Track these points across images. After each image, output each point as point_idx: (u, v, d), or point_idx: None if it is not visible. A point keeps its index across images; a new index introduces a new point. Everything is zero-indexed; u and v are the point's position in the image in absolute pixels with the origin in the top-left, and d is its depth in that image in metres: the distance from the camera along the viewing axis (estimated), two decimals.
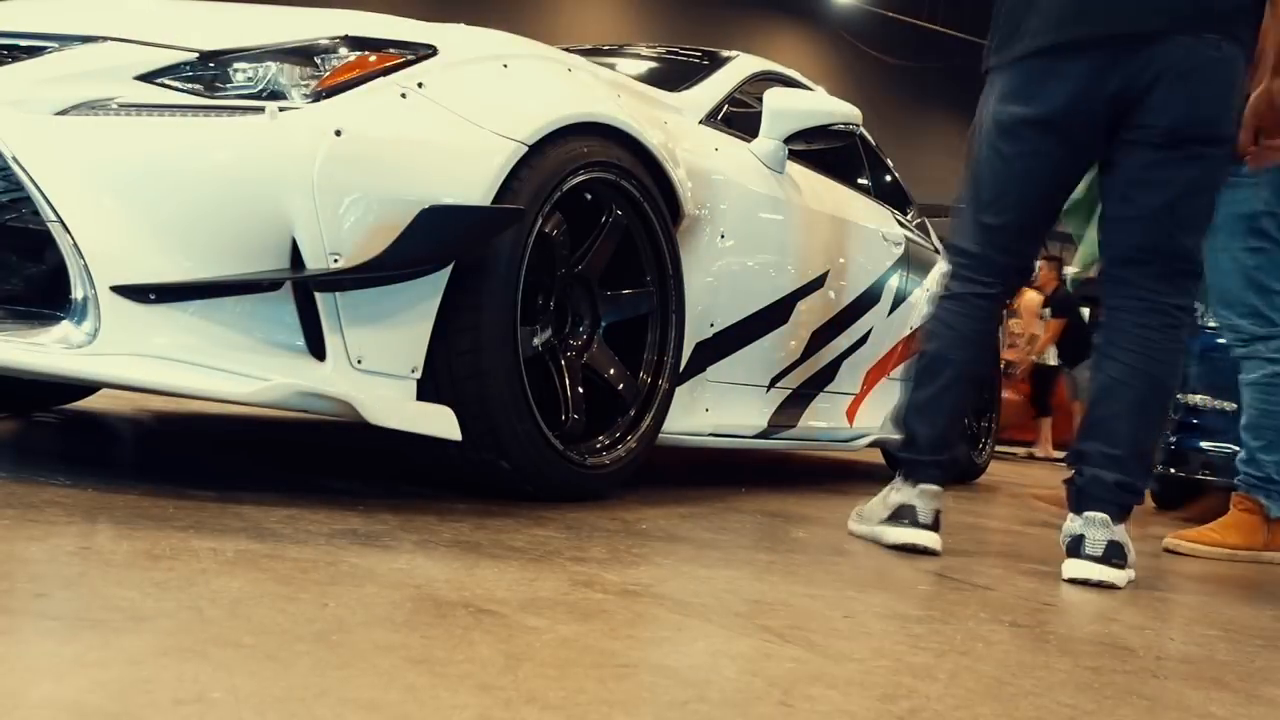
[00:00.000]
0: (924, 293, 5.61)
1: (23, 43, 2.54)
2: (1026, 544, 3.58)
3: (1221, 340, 5.58)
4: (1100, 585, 2.90)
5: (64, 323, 2.38)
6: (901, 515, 3.14)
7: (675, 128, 3.68)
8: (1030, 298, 12.81)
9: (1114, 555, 2.93)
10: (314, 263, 2.45)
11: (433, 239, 2.58)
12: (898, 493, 3.18)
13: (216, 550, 1.94)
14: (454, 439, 2.71)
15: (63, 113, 2.44)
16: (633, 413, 3.32)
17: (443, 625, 1.63)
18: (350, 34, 2.66)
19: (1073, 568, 2.95)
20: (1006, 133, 3.05)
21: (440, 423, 2.68)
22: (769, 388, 4.26)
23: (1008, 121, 3.04)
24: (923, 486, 3.15)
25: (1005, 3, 3.08)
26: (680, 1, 23.82)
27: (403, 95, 2.63)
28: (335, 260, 2.46)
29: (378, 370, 2.57)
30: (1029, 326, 12.90)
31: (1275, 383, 3.93)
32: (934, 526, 3.13)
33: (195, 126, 2.45)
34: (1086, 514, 2.98)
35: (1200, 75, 2.86)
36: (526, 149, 2.79)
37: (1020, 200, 3.09)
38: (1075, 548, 2.97)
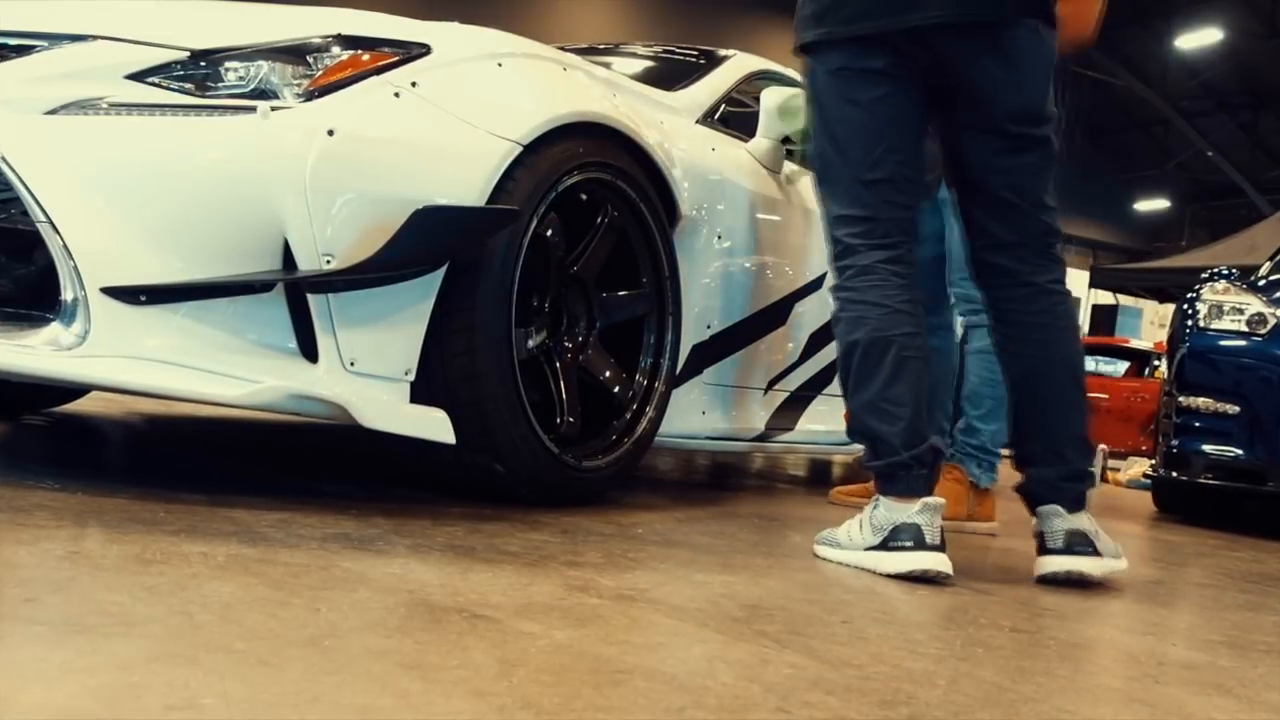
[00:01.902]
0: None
1: (12, 41, 2.52)
2: (1026, 548, 3.55)
3: (1223, 342, 5.59)
4: (1069, 579, 2.84)
5: (53, 324, 2.37)
6: (899, 536, 2.70)
7: (671, 127, 3.67)
8: None
9: (1076, 543, 2.84)
10: (306, 264, 2.44)
11: (427, 240, 2.56)
12: (887, 510, 2.74)
13: (207, 554, 1.93)
14: (448, 442, 2.69)
15: (52, 112, 2.42)
16: (629, 416, 3.30)
17: (436, 630, 1.63)
18: (343, 32, 2.65)
19: (1042, 565, 2.88)
20: (860, 83, 2.87)
21: (434, 426, 2.66)
22: (766, 390, 4.25)
23: (857, 74, 2.87)
24: (923, 500, 2.72)
25: None
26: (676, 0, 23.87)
27: (396, 95, 2.61)
28: (328, 261, 2.45)
29: (371, 373, 2.55)
30: None
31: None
32: (942, 546, 2.71)
33: (186, 126, 2.44)
34: (1039, 509, 2.91)
35: (1026, 60, 2.85)
36: (521, 149, 2.78)
37: (893, 147, 2.88)
38: (1040, 546, 2.91)
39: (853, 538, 2.80)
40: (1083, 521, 2.88)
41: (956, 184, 3.06)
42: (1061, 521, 2.86)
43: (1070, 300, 3.02)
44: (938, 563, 2.67)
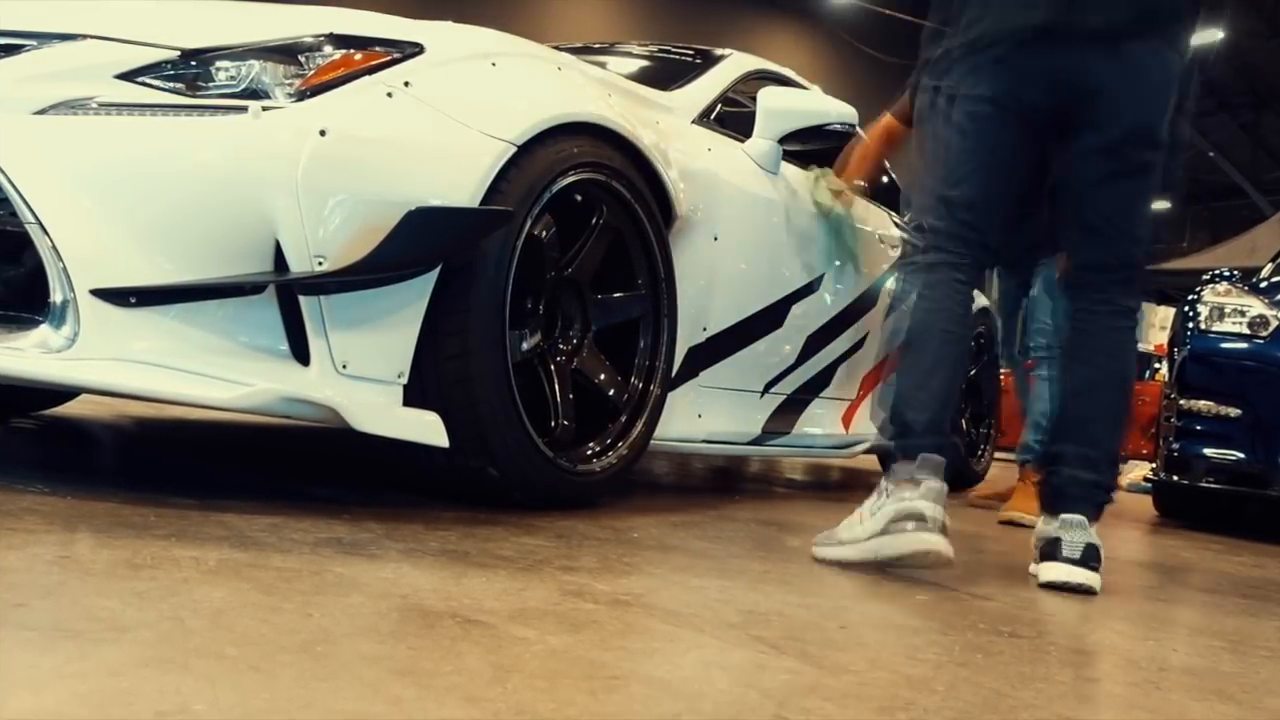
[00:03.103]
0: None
1: (1, 41, 2.50)
2: (1026, 552, 3.54)
3: (1225, 344, 5.58)
4: (1078, 590, 2.83)
5: (42, 326, 2.35)
6: (902, 519, 2.74)
7: (667, 127, 3.65)
8: None
9: (1091, 558, 2.86)
10: (298, 265, 2.42)
11: (419, 241, 2.55)
12: (892, 501, 2.78)
13: (198, 559, 1.92)
14: (441, 445, 2.68)
15: (41, 112, 2.41)
16: (624, 419, 3.29)
17: (430, 636, 1.62)
18: (335, 32, 2.64)
19: (1050, 571, 2.87)
20: (965, 105, 2.98)
21: (427, 429, 2.65)
22: (763, 393, 4.24)
23: (966, 99, 2.98)
24: (927, 484, 2.77)
25: None
26: None
27: (389, 94, 2.60)
28: (320, 263, 2.43)
29: (363, 375, 2.54)
30: None
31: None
32: (944, 531, 2.75)
33: (177, 126, 2.42)
34: (1064, 516, 2.91)
35: (1145, 81, 2.90)
36: (515, 149, 2.77)
37: (978, 172, 2.98)
38: (1051, 551, 2.90)
39: (854, 531, 2.84)
40: (1096, 536, 2.90)
41: (1060, 197, 3.09)
42: (1084, 534, 2.88)
43: (1137, 331, 3.09)
44: (937, 544, 2.71)
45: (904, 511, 2.74)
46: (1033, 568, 3.01)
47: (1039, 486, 3.09)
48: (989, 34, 2.92)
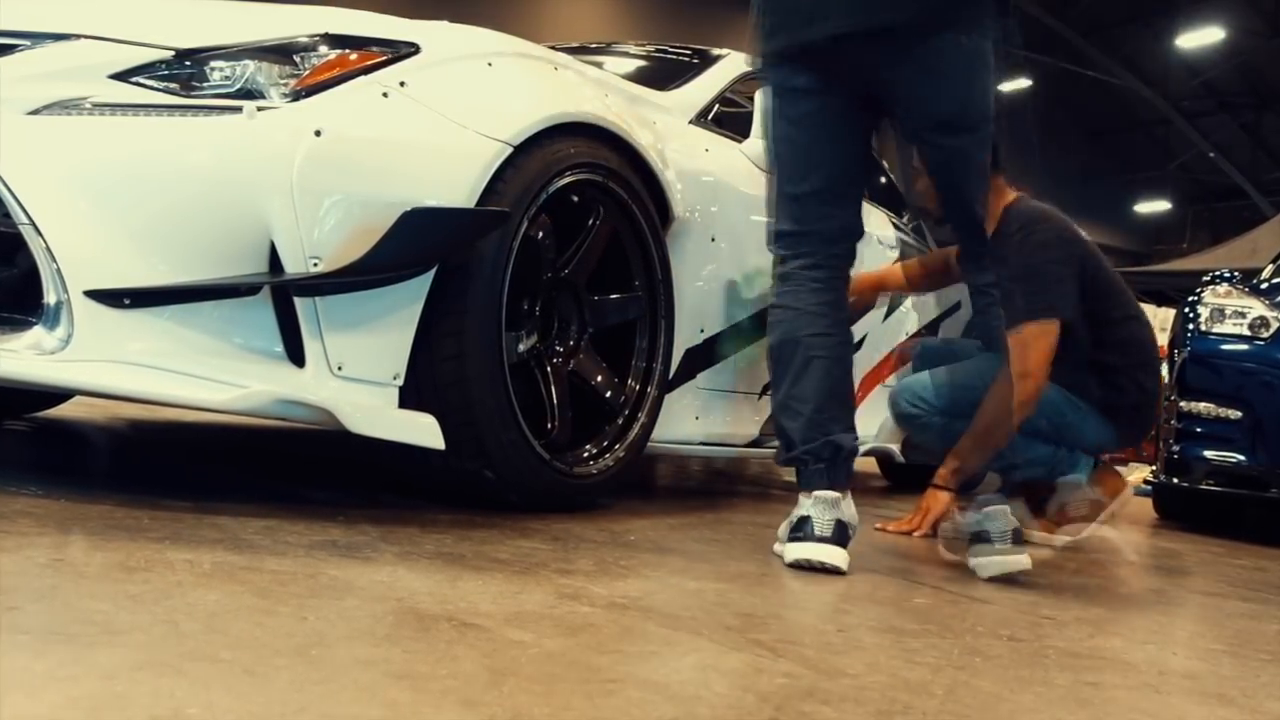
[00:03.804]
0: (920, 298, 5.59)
1: None
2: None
3: (1225, 346, 5.57)
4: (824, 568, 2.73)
5: (36, 328, 2.35)
6: (799, 528, 2.79)
7: (664, 128, 3.65)
8: None
9: (839, 535, 2.78)
10: (293, 267, 2.42)
11: (415, 242, 2.55)
12: (797, 506, 2.85)
13: (193, 562, 1.92)
14: (437, 448, 2.67)
15: (35, 112, 2.41)
16: (621, 421, 3.28)
17: (425, 639, 1.62)
18: (330, 31, 2.63)
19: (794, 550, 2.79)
20: (792, 101, 2.99)
21: (423, 431, 2.64)
22: (761, 395, 4.22)
23: (789, 92, 2.99)
24: (816, 494, 2.81)
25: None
26: None
27: (384, 94, 2.60)
28: (315, 264, 2.43)
29: (359, 377, 2.53)
30: None
31: None
32: (834, 539, 2.75)
33: (171, 127, 2.42)
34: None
35: (943, 68, 2.88)
36: (511, 150, 2.76)
37: (821, 159, 2.98)
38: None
39: (781, 531, 2.91)
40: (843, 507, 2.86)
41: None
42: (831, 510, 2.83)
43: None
44: (825, 554, 2.72)
45: (801, 520, 2.80)
46: (776, 548, 2.93)
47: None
48: (789, 47, 2.93)
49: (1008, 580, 2.99)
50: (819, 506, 2.78)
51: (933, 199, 3.55)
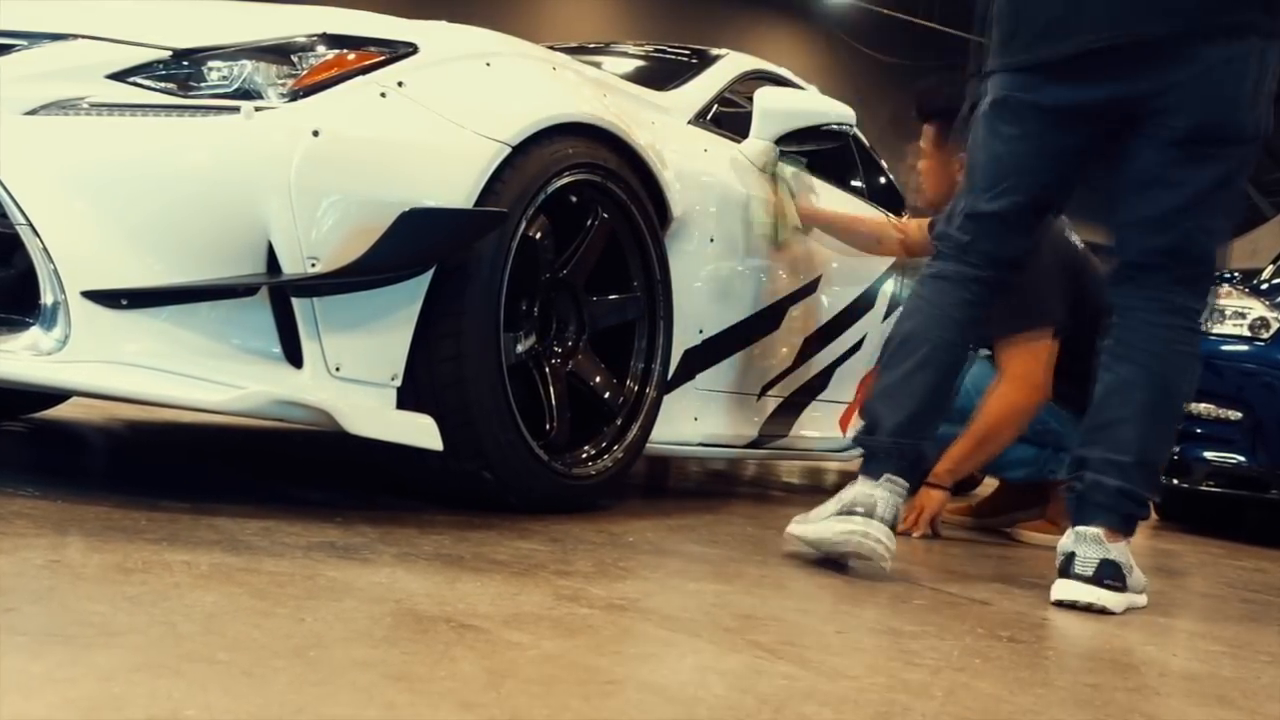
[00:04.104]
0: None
1: None
2: (1024, 557, 3.55)
3: (1225, 347, 5.55)
4: (1090, 609, 2.64)
5: (33, 329, 2.34)
6: (854, 505, 2.76)
7: (663, 128, 3.64)
8: None
9: (1108, 575, 2.66)
10: (291, 267, 2.41)
11: (413, 243, 2.54)
12: (854, 489, 2.81)
13: (190, 563, 1.91)
14: (435, 449, 2.66)
15: (32, 112, 2.41)
16: (619, 422, 3.27)
17: (423, 641, 1.61)
18: (328, 31, 2.63)
19: (1061, 589, 2.70)
20: (1010, 114, 2.89)
21: (421, 432, 2.64)
22: (760, 396, 4.22)
23: (1013, 103, 2.88)
24: (887, 477, 2.78)
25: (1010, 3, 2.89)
26: None
27: (382, 95, 2.59)
28: (313, 264, 2.42)
29: (356, 378, 2.53)
30: None
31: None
32: (891, 524, 2.75)
33: (168, 127, 2.42)
34: (1079, 528, 2.73)
35: (1211, 77, 2.71)
36: (510, 150, 2.75)
37: (1017, 186, 2.89)
38: (1066, 566, 2.71)
39: (819, 511, 2.86)
40: (1121, 552, 2.72)
41: (1114, 191, 2.91)
42: (1099, 549, 2.69)
43: (1199, 335, 2.91)
44: (879, 531, 2.71)
45: (860, 499, 2.76)
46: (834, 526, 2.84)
47: (1065, 494, 2.92)
48: (1042, 60, 2.81)
49: (1008, 582, 2.99)
50: (886, 489, 2.77)
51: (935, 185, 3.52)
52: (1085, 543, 2.69)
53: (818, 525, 2.82)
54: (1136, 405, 2.78)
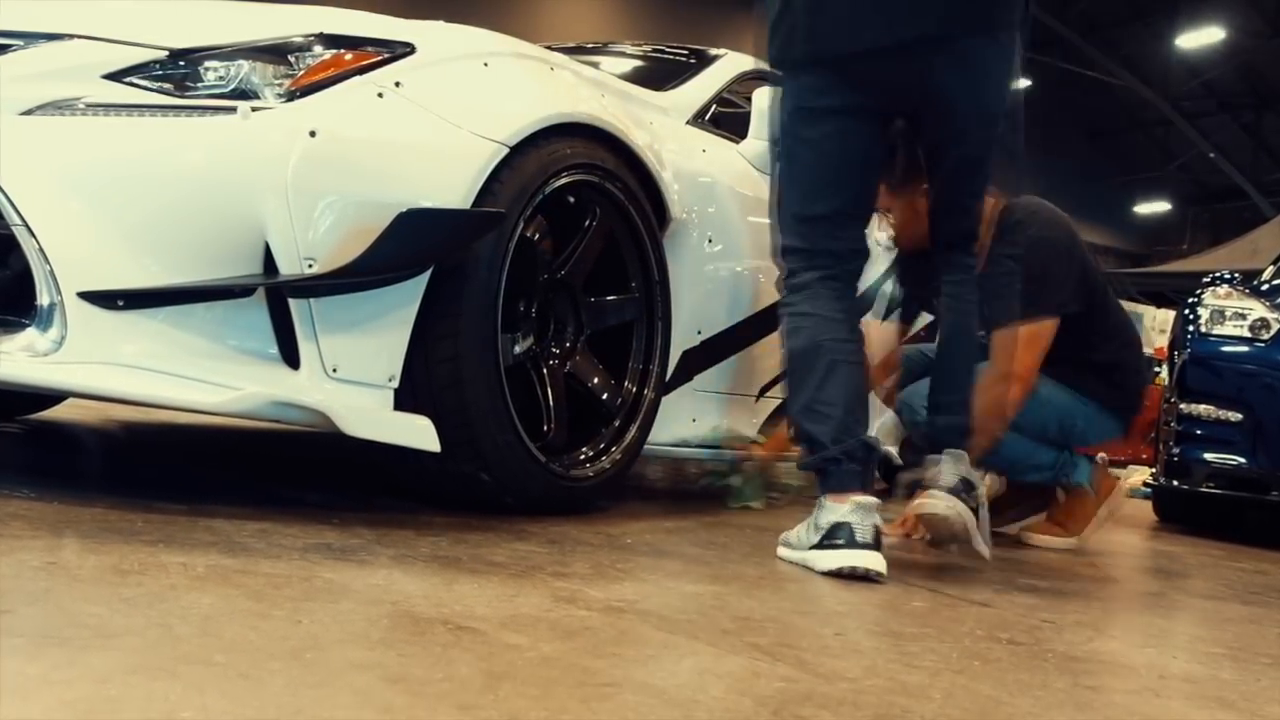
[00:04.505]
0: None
1: None
2: (1024, 559, 3.54)
3: (1226, 348, 5.55)
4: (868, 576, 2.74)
5: (29, 330, 2.34)
6: (835, 535, 2.76)
7: (661, 128, 3.64)
8: None
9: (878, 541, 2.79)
10: (288, 268, 2.41)
11: (411, 243, 2.53)
12: (826, 511, 2.80)
13: (186, 565, 1.91)
14: (433, 450, 2.66)
15: (28, 113, 2.40)
16: (617, 423, 3.27)
17: (421, 643, 1.61)
18: (325, 31, 2.62)
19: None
20: (812, 120, 2.99)
21: (418, 433, 2.63)
22: (758, 397, 4.22)
23: (811, 110, 2.99)
24: (854, 499, 2.77)
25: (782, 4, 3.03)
26: None
27: (380, 95, 2.58)
28: (310, 265, 2.42)
29: (353, 379, 2.52)
30: None
31: None
32: (875, 545, 2.75)
33: (165, 127, 2.41)
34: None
35: (979, 71, 2.97)
36: (507, 150, 2.75)
37: (836, 183, 3.00)
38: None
39: (800, 538, 2.87)
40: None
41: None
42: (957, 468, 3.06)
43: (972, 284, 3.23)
44: (869, 561, 2.71)
45: (837, 526, 2.76)
46: (788, 554, 2.93)
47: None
48: (821, 56, 2.95)
49: (1007, 583, 2.99)
50: (859, 512, 2.75)
51: (908, 223, 3.58)
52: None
53: (804, 554, 2.83)
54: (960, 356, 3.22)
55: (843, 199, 3.01)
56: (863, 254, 3.09)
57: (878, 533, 2.77)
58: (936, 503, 3.04)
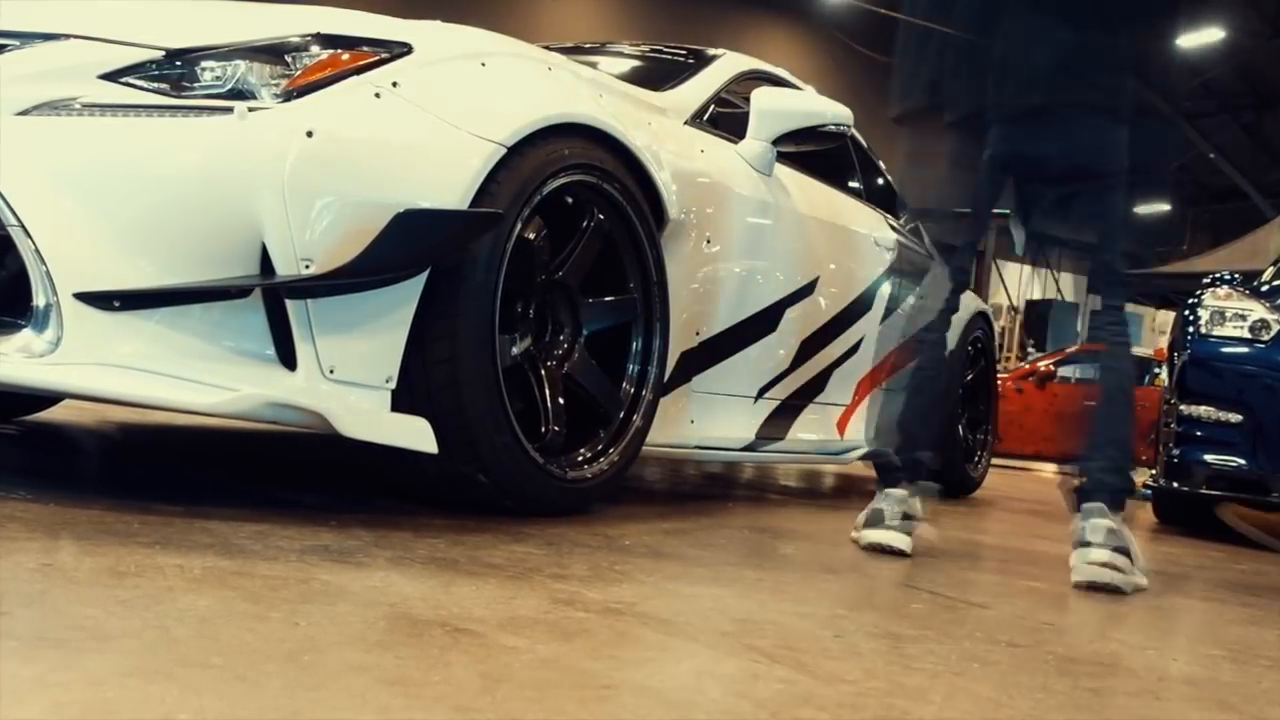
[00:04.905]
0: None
1: None
2: (1023, 561, 3.54)
3: (1226, 349, 5.54)
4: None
5: (25, 331, 2.33)
6: (872, 519, 3.35)
7: (659, 129, 3.63)
8: None
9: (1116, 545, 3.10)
10: (285, 269, 2.40)
11: (408, 244, 2.53)
12: (874, 500, 3.40)
13: (183, 567, 1.91)
14: (430, 451, 2.65)
15: (24, 113, 2.40)
16: (615, 425, 3.27)
17: (418, 645, 1.61)
18: (322, 31, 2.62)
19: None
20: (940, 164, 3.61)
21: (416, 435, 2.63)
22: (757, 398, 4.21)
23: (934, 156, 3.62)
24: (887, 490, 3.37)
25: (918, 60, 3.67)
26: None
27: (377, 95, 2.58)
28: (307, 266, 2.41)
29: (351, 380, 2.51)
30: None
31: None
32: (900, 527, 3.29)
33: (161, 127, 2.41)
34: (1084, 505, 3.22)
35: (1080, 139, 3.42)
36: (505, 150, 2.74)
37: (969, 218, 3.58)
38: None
39: (859, 519, 3.42)
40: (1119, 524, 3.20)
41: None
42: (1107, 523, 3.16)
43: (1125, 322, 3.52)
44: (891, 539, 3.27)
45: (874, 511, 3.36)
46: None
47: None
48: (964, 114, 3.50)
49: (1006, 586, 2.98)
50: (889, 500, 3.34)
51: None
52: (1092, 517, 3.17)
53: (857, 533, 3.41)
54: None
55: (973, 230, 3.62)
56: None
57: (904, 516, 3.32)
58: (1094, 570, 3.08)
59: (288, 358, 2.45)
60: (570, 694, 1.45)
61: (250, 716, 1.22)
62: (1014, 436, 12.17)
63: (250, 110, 2.42)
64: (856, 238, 5.00)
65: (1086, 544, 3.10)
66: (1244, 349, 5.55)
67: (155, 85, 2.45)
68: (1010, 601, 2.73)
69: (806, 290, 4.40)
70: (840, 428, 5.04)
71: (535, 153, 2.84)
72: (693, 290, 3.66)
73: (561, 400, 3.09)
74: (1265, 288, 6.19)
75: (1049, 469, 12.36)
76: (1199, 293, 5.97)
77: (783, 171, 4.30)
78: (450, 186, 2.63)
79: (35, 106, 2.39)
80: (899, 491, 3.36)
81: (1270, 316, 5.57)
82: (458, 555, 2.34)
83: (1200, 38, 29.54)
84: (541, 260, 3.04)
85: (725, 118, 4.27)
